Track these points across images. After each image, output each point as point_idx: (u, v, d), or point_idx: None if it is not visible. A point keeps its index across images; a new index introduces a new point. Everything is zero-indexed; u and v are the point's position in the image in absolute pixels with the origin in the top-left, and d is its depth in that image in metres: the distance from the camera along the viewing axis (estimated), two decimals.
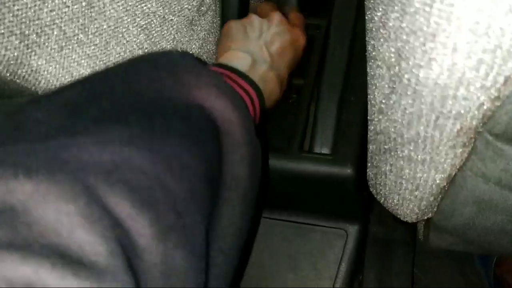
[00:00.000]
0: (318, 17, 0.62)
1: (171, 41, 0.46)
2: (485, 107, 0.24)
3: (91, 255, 0.21)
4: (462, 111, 0.24)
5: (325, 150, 0.54)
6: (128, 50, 0.40)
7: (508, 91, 0.22)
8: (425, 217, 0.45)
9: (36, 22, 0.31)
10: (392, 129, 0.30)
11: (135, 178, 0.25)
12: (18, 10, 0.30)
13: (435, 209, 0.43)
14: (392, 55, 0.26)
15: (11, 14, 0.30)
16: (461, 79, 0.22)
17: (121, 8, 0.38)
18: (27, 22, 0.31)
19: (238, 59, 0.46)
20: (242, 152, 0.34)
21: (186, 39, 0.49)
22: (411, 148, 0.30)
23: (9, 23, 0.30)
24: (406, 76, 0.24)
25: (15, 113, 0.28)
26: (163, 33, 0.44)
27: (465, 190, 0.36)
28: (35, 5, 0.31)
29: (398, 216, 0.46)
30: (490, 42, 0.20)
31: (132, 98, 0.31)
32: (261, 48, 0.49)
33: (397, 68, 0.25)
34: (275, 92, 0.50)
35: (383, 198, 0.45)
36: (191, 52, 0.50)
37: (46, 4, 0.31)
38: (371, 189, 0.47)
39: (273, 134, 0.55)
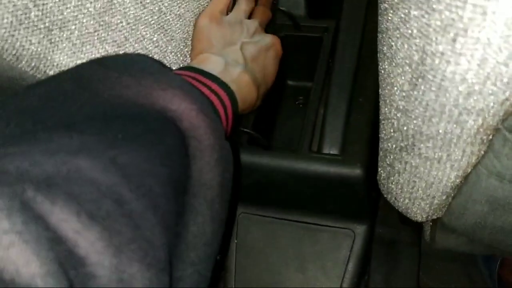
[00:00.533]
0: (326, 19, 0.63)
1: (183, 40, 0.46)
2: (508, 103, 0.24)
3: (26, 276, 0.20)
4: (486, 107, 0.25)
5: (334, 151, 0.54)
6: (145, 47, 0.41)
7: None
8: (435, 217, 0.46)
9: (60, 17, 0.32)
10: (412, 126, 0.30)
11: (83, 190, 0.24)
12: (43, 4, 0.30)
13: (445, 208, 0.43)
14: (415, 52, 0.27)
15: (36, 9, 0.30)
16: (489, 74, 0.22)
17: (139, 5, 0.38)
18: (52, 17, 0.31)
19: (210, 62, 0.44)
20: (210, 157, 0.33)
21: None
22: (429, 145, 0.31)
23: (34, 17, 0.30)
24: (431, 72, 0.25)
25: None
26: (177, 32, 0.45)
27: (478, 188, 0.36)
28: (59, 1, 0.31)
29: (408, 216, 0.47)
30: None
31: (87, 103, 0.29)
32: (235, 51, 0.48)
33: (420, 66, 0.26)
34: (251, 96, 0.48)
35: (394, 198, 0.46)
36: None
37: (70, 0, 0.32)
38: (381, 189, 0.47)
39: (282, 135, 0.55)
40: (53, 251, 0.21)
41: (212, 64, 0.44)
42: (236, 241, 0.60)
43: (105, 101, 0.30)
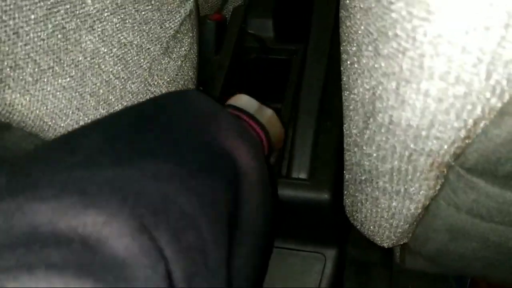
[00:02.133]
0: (294, 42, 0.63)
1: (147, 70, 0.46)
2: (456, 145, 0.24)
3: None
4: (434, 149, 0.25)
5: (303, 175, 0.54)
6: (104, 81, 0.40)
7: (478, 131, 0.23)
8: (401, 242, 0.46)
9: (11, 56, 0.31)
10: (367, 162, 0.31)
11: (177, 221, 0.27)
12: None
13: (410, 235, 0.44)
14: (367, 92, 0.27)
15: None
16: (432, 121, 0.23)
17: (97, 39, 0.38)
18: (1, 56, 0.31)
19: (246, 102, 0.48)
20: (259, 197, 0.37)
21: (163, 66, 0.49)
22: (386, 180, 0.31)
23: None
24: (380, 115, 0.25)
25: (64, 138, 0.30)
26: (139, 62, 0.44)
27: (438, 218, 0.36)
28: (9, 40, 0.31)
29: (375, 242, 0.47)
30: (460, 90, 0.21)
31: (165, 136, 0.33)
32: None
33: (371, 106, 0.26)
34: (281, 135, 0.52)
35: (359, 225, 0.46)
36: (165, 80, 0.50)
37: (21, 38, 0.31)
38: (348, 216, 0.47)
39: None
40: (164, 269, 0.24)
41: (248, 104, 0.48)
42: None
43: (180, 138, 0.33)
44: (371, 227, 0.43)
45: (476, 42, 0.19)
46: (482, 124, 0.22)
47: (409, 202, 0.34)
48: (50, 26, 0.33)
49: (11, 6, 0.30)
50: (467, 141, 0.24)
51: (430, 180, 0.30)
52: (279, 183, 0.53)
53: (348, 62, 0.31)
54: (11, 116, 0.34)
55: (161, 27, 0.47)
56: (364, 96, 0.27)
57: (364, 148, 0.30)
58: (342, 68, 0.34)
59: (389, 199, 0.34)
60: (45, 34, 0.33)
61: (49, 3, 0.32)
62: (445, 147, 0.24)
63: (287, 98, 0.60)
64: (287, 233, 0.58)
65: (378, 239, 0.45)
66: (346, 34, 0.30)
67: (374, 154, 0.29)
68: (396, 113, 0.23)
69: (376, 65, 0.24)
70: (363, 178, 0.34)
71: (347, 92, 0.33)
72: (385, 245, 0.46)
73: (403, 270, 0.71)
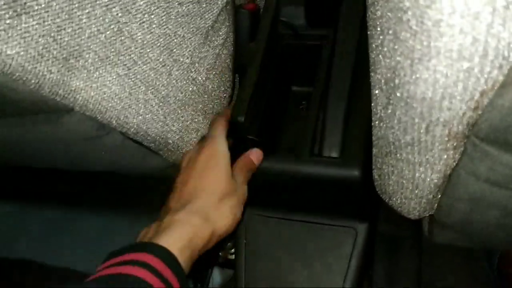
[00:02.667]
0: (325, 27, 0.66)
1: (189, 58, 0.50)
2: (467, 115, 0.28)
3: None
4: (448, 119, 0.28)
5: (334, 154, 0.58)
6: (152, 68, 0.45)
7: (485, 102, 0.26)
8: (427, 214, 0.49)
9: (76, 48, 0.36)
10: (391, 135, 0.34)
11: None
12: (61, 38, 0.34)
13: (435, 206, 0.47)
14: (389, 71, 0.30)
15: (55, 43, 0.34)
16: (443, 94, 0.26)
17: (146, 31, 0.42)
18: (68, 49, 0.35)
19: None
20: None
21: (203, 54, 0.53)
22: (408, 151, 0.34)
23: (53, 51, 0.34)
24: (399, 90, 0.28)
25: None
26: (182, 51, 0.49)
27: (459, 188, 0.39)
28: (75, 33, 0.35)
29: (402, 214, 0.50)
30: (463, 65, 0.24)
31: None
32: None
33: (392, 83, 0.29)
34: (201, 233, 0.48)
35: (388, 197, 0.49)
36: (205, 67, 0.54)
37: (84, 32, 0.36)
38: (377, 189, 0.50)
39: (285, 139, 0.59)
40: None
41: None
42: (245, 241, 0.64)
43: None
44: (398, 199, 0.46)
45: (470, 25, 0.22)
46: (488, 96, 0.25)
47: (431, 172, 0.37)
48: (107, 20, 0.37)
49: (76, 5, 0.34)
50: (476, 111, 0.27)
51: (449, 150, 0.33)
52: (311, 161, 0.57)
53: (374, 45, 0.34)
54: (75, 100, 0.39)
55: (200, 18, 0.51)
56: (386, 75, 0.30)
57: (388, 122, 0.33)
58: (369, 51, 0.37)
59: (413, 170, 0.37)
60: (103, 28, 0.37)
61: (106, 0, 0.37)
62: (458, 117, 0.28)
63: (318, 82, 0.63)
64: (319, 208, 0.62)
65: (405, 210, 0.48)
66: (372, 20, 0.33)
67: (396, 127, 0.32)
68: (412, 88, 0.27)
69: (396, 47, 0.27)
70: (388, 150, 0.37)
71: (373, 73, 0.36)
72: (411, 216, 0.49)
73: (433, 246, 0.73)
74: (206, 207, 0.49)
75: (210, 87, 0.57)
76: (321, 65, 0.64)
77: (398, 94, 0.29)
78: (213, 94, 0.58)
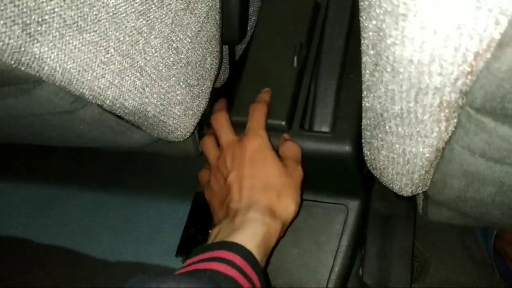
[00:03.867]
0: None
1: (169, 25, 0.47)
2: (460, 81, 0.25)
3: None
4: (439, 86, 0.25)
5: (325, 128, 0.55)
6: (127, 35, 0.42)
7: (480, 66, 0.23)
8: (420, 191, 0.46)
9: (37, 11, 0.33)
10: (378, 105, 0.31)
11: None
12: (19, 0, 0.31)
13: (428, 183, 0.44)
14: (375, 33, 0.27)
15: (12, 5, 0.31)
16: (432, 56, 0.23)
17: None
18: (28, 11, 0.32)
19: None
20: None
21: (185, 22, 0.50)
22: (398, 123, 0.32)
23: (11, 13, 0.31)
24: (385, 53, 0.25)
25: None
26: (161, 17, 0.45)
27: (453, 163, 0.37)
28: None
29: (394, 190, 0.48)
30: (455, 21, 0.21)
31: None
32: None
33: (378, 46, 0.26)
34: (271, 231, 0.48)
35: (379, 173, 0.47)
36: (188, 35, 0.51)
37: None
38: (368, 164, 0.48)
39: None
40: None
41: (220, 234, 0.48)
42: None
43: None
44: (389, 174, 0.44)
45: None
46: (483, 58, 0.22)
47: (422, 146, 0.35)
48: None
49: None
50: (470, 77, 0.24)
51: (441, 122, 0.31)
52: (302, 136, 0.55)
53: (362, 8, 0.31)
54: (41, 69, 0.36)
55: None
56: (373, 39, 0.28)
57: (375, 91, 0.30)
58: (359, 16, 0.34)
59: (403, 144, 0.35)
60: None
61: None
62: (449, 84, 0.25)
63: (310, 55, 0.60)
64: (310, 185, 0.59)
65: (397, 187, 0.45)
66: None
67: (384, 96, 0.29)
68: (398, 50, 0.24)
69: (381, 4, 0.24)
70: (376, 123, 0.34)
71: (362, 40, 0.33)
72: (404, 193, 0.47)
73: (430, 224, 0.71)
74: (271, 205, 0.49)
75: (194, 58, 0.54)
76: (317, 28, 0.61)
77: (384, 58, 0.26)
78: (197, 66, 0.55)
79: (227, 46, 0.73)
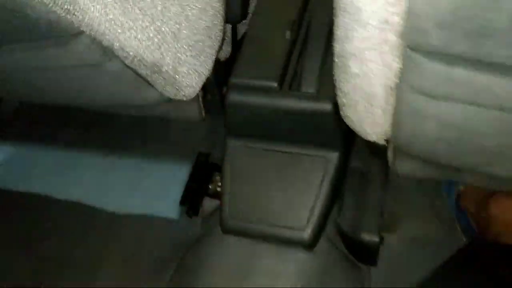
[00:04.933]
0: None
1: None
2: (396, 21, 0.35)
3: None
4: (378, 26, 0.35)
5: (311, 90, 0.65)
6: (150, 1, 0.52)
7: (405, 6, 0.33)
8: (383, 137, 0.56)
9: None
10: (339, 47, 0.41)
11: None
12: None
13: (389, 129, 0.54)
14: None
15: None
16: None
17: None
18: None
19: None
20: None
21: None
22: (354, 64, 0.42)
23: None
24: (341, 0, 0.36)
25: None
26: None
27: (403, 103, 0.47)
28: None
29: (364, 137, 0.58)
30: None
31: None
32: None
33: None
34: None
35: (350, 121, 0.57)
36: (198, 7, 0.61)
37: None
38: (341, 113, 0.58)
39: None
40: None
41: None
42: (229, 169, 0.72)
43: None
44: (356, 118, 0.54)
45: None
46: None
47: (377, 85, 0.45)
48: None
49: None
50: (397, 17, 0.34)
51: (388, 62, 0.41)
52: (290, 95, 0.65)
53: None
54: (82, 19, 0.47)
55: None
56: None
57: (337, 34, 0.40)
58: None
59: (360, 83, 0.45)
60: None
61: None
62: (387, 23, 0.35)
63: (301, 29, 0.70)
64: (295, 139, 0.70)
65: (363, 131, 0.55)
66: None
67: (342, 38, 0.39)
68: None
69: None
70: (340, 65, 0.45)
71: None
72: (370, 137, 0.56)
73: (402, 184, 0.81)
74: None
75: (201, 26, 0.64)
76: (305, 13, 0.71)
77: (341, 5, 0.36)
78: (204, 34, 0.65)
79: (230, 26, 0.84)
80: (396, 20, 0.35)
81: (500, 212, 0.68)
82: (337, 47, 0.42)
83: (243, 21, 0.82)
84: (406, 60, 0.40)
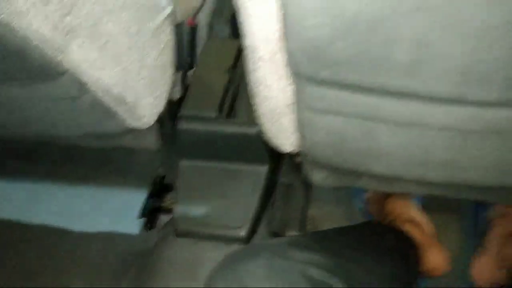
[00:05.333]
0: None
1: (140, 48, 0.77)
2: (280, 53, 0.55)
3: None
4: (273, 58, 0.55)
5: (242, 117, 0.85)
6: (116, 43, 0.71)
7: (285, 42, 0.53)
8: (295, 148, 0.75)
9: (74, 25, 0.62)
10: (249, 78, 0.61)
11: None
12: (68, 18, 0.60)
13: (297, 140, 0.73)
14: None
15: (63, 21, 0.60)
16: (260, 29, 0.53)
17: (120, 29, 0.69)
18: (68, 27, 0.61)
19: None
20: None
21: (152, 49, 0.80)
22: (256, 85, 0.61)
23: (59, 25, 0.60)
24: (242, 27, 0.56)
25: None
26: (139, 39, 0.75)
27: (301, 118, 0.66)
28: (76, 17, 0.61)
29: (277, 147, 0.76)
30: None
31: None
32: None
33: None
34: None
35: (267, 136, 0.75)
36: (154, 56, 0.81)
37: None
38: (263, 133, 0.77)
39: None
40: None
41: None
42: (181, 185, 0.89)
43: None
44: (270, 133, 0.72)
45: None
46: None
47: (282, 106, 0.64)
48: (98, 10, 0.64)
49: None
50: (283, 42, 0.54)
51: (285, 85, 0.60)
52: (226, 122, 0.84)
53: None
54: (71, 61, 0.64)
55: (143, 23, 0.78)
56: None
57: (248, 67, 0.60)
58: None
59: (270, 105, 0.64)
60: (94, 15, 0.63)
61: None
62: (278, 51, 0.54)
63: (238, 70, 0.91)
64: (232, 158, 0.88)
65: (278, 142, 0.74)
66: None
67: (250, 70, 0.59)
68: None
69: None
70: (253, 92, 0.64)
71: None
72: (284, 148, 0.75)
73: (321, 196, 1.01)
74: None
75: (158, 70, 0.83)
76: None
77: (246, 44, 0.56)
78: (160, 76, 0.84)
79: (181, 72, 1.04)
80: (282, 54, 0.55)
81: (391, 208, 0.88)
82: (248, 77, 0.62)
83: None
84: (296, 85, 0.60)
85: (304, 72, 0.56)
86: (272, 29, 0.52)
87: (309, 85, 0.59)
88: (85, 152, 1.13)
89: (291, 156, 0.78)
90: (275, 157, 0.91)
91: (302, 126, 0.68)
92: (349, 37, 0.49)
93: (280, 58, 0.56)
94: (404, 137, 0.63)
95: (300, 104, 0.63)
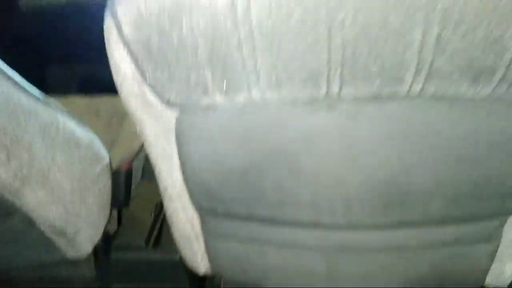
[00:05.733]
0: None
1: (81, 193, 0.95)
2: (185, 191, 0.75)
3: None
4: (166, 184, 0.75)
5: (167, 246, 1.01)
6: (57, 191, 0.89)
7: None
8: (210, 271, 0.91)
9: (29, 177, 0.80)
10: (166, 209, 0.80)
11: None
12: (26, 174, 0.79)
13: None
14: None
15: (20, 176, 0.78)
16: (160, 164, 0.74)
17: (63, 175, 0.88)
18: (25, 179, 0.80)
19: None
20: None
21: (90, 195, 0.98)
22: (174, 219, 0.80)
23: (19, 174, 0.78)
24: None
25: None
26: (84, 189, 0.94)
27: (206, 243, 0.84)
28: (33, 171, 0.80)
29: (195, 271, 0.92)
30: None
31: None
32: None
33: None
34: None
35: (186, 262, 0.92)
36: (92, 197, 0.99)
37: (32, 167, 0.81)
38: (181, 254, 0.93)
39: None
40: None
41: None
42: None
43: None
44: (186, 258, 0.89)
45: None
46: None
47: (185, 229, 0.82)
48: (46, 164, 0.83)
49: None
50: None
51: (186, 210, 0.80)
52: (152, 251, 1.01)
53: None
54: (26, 203, 0.81)
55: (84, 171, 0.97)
56: None
57: (163, 201, 0.80)
58: None
59: (184, 231, 0.83)
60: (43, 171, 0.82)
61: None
62: (172, 183, 0.75)
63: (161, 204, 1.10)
64: (155, 281, 1.03)
65: (193, 265, 0.91)
66: None
67: (165, 205, 0.79)
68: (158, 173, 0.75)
69: None
70: (170, 222, 0.83)
71: None
72: (200, 271, 0.92)
73: None
74: None
75: (96, 208, 1.00)
76: None
77: (157, 178, 0.76)
78: (98, 213, 1.02)
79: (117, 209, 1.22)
80: (186, 194, 0.75)
81: None
82: (165, 212, 0.81)
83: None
84: (200, 216, 0.80)
85: (205, 207, 0.76)
86: (177, 177, 0.73)
87: (210, 217, 0.78)
88: (23, 284, 1.22)
89: (212, 277, 0.94)
90: (198, 280, 1.06)
91: (208, 250, 0.86)
92: (230, 183, 0.70)
93: (186, 196, 0.76)
94: (288, 256, 0.82)
95: (205, 232, 0.82)
